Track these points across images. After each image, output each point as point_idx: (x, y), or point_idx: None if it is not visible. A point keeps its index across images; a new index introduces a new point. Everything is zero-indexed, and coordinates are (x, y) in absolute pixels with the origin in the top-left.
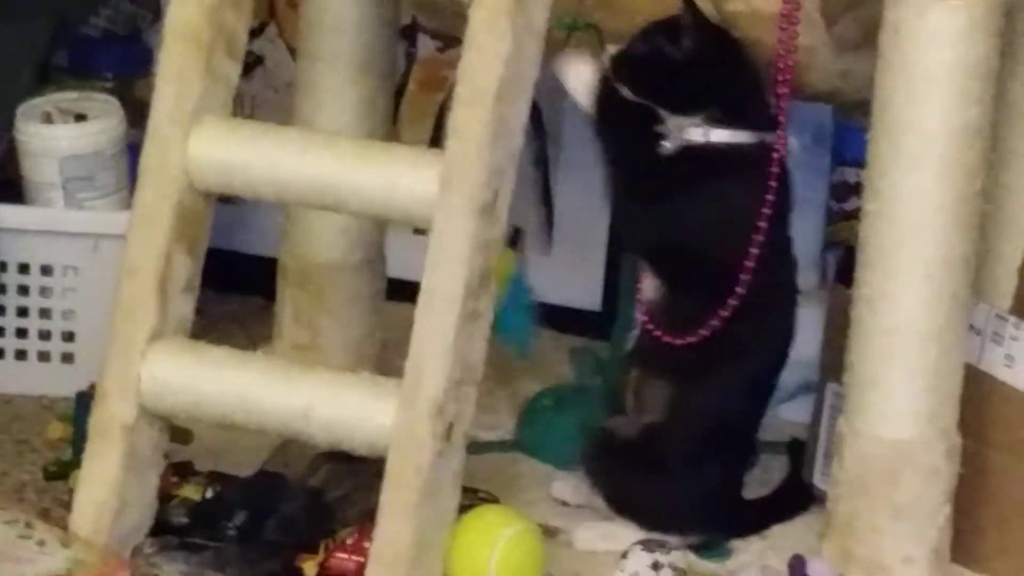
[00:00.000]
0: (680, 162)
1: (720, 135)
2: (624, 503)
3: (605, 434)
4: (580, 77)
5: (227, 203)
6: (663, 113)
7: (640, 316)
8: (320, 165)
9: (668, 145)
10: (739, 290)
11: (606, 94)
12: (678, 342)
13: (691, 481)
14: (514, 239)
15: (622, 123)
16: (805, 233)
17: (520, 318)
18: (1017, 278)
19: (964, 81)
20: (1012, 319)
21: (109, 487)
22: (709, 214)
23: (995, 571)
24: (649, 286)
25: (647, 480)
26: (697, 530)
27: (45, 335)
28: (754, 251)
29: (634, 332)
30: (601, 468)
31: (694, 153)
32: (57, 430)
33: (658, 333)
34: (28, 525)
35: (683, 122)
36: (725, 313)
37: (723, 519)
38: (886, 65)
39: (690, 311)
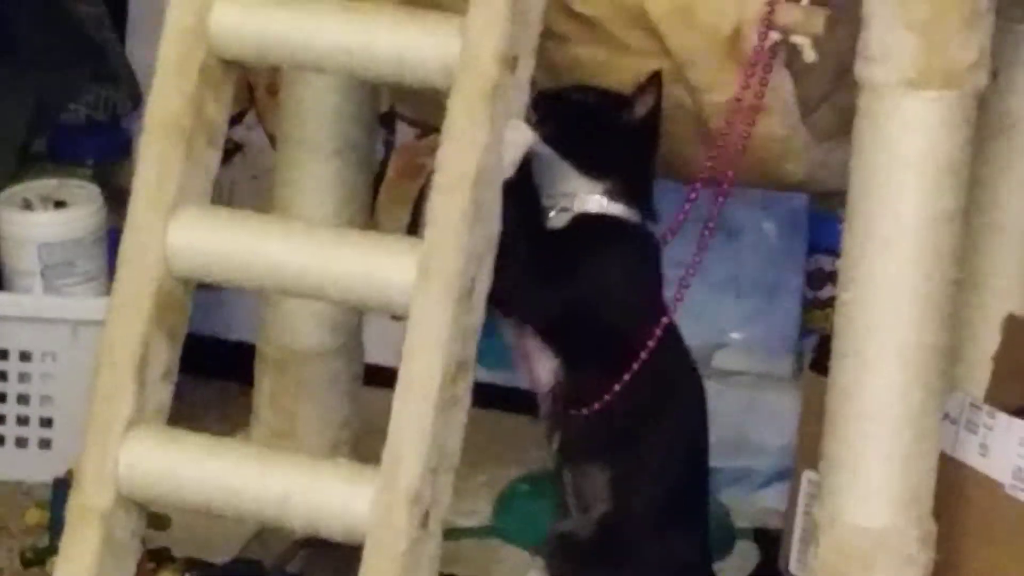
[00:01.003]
0: (576, 231)
1: (616, 208)
2: None
3: (565, 540)
4: (517, 141)
5: (206, 289)
6: (571, 172)
7: (544, 406)
8: (298, 253)
9: (562, 214)
10: (642, 355)
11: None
12: (586, 411)
13: (660, 559)
14: None
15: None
16: (780, 320)
17: None
18: (992, 366)
19: (938, 170)
20: (986, 408)
21: (86, 573)
22: (605, 284)
23: None
24: (545, 371)
25: (619, 571)
26: None
27: (23, 421)
28: (651, 321)
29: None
30: (572, 568)
31: (589, 223)
32: (35, 516)
33: (566, 408)
34: None
35: (588, 187)
36: (626, 378)
37: None
38: (861, 153)
39: (592, 385)
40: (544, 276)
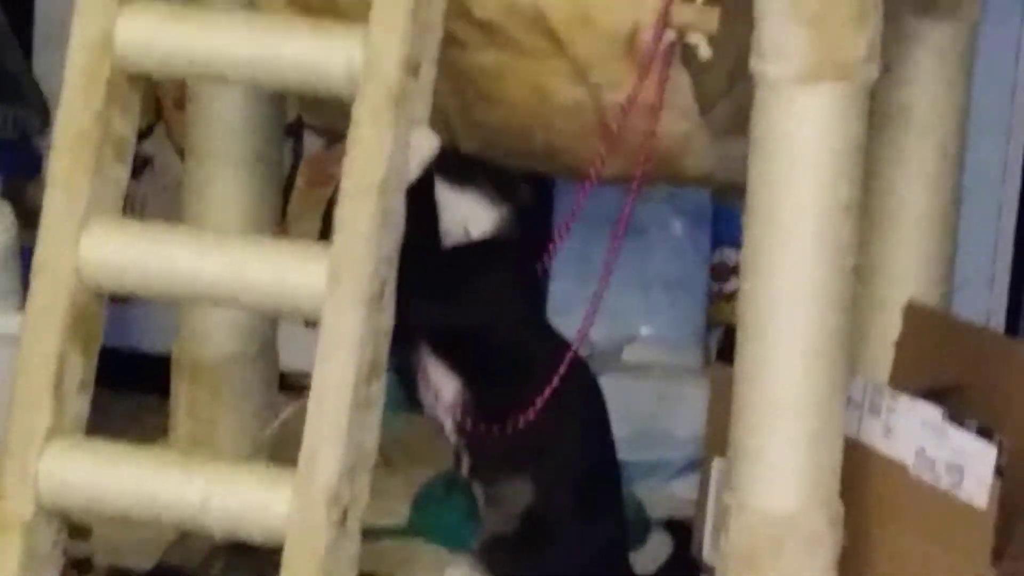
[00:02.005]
0: (470, 250)
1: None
2: None
3: (495, 542)
4: (422, 147)
5: (120, 302)
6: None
7: (448, 428)
8: (210, 262)
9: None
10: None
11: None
12: (497, 432)
13: (586, 549)
14: None
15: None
16: (687, 313)
17: None
18: (894, 351)
19: (833, 161)
20: (888, 391)
21: None
22: (496, 299)
23: None
24: (449, 392)
25: (545, 559)
26: None
27: None
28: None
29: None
30: (503, 564)
31: (483, 244)
32: None
33: (474, 428)
34: None
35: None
36: (538, 404)
37: None
38: (758, 147)
39: (496, 403)
40: (437, 288)
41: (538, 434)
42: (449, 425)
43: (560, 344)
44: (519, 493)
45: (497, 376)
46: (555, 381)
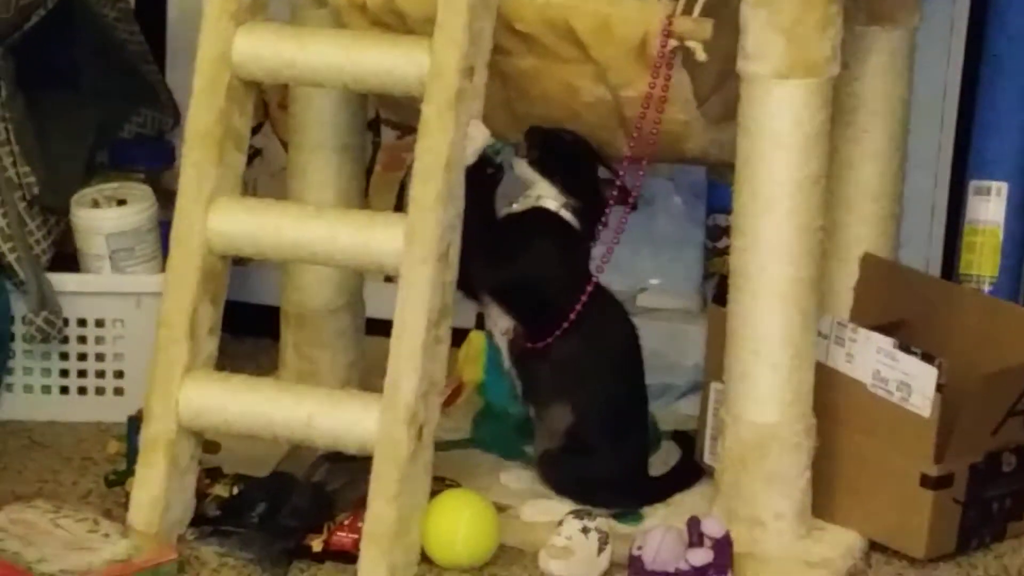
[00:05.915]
0: (529, 217)
1: (566, 214)
2: (568, 489)
3: (546, 456)
4: (476, 137)
5: (240, 263)
6: (542, 183)
7: (505, 352)
8: (311, 230)
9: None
10: (577, 308)
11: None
12: (543, 343)
13: (614, 459)
14: (480, 321)
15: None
16: (688, 267)
17: (501, 385)
18: (854, 294)
19: (804, 142)
20: (850, 325)
21: (157, 489)
22: (547, 261)
23: (845, 521)
24: (501, 323)
25: (583, 467)
26: (618, 503)
27: (100, 374)
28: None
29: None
30: (552, 471)
31: (541, 214)
32: (114, 447)
33: (527, 344)
34: (95, 522)
35: (551, 193)
36: (560, 330)
37: (636, 493)
38: (744, 132)
39: (539, 337)
40: (492, 253)
41: (575, 367)
42: (504, 349)
43: (595, 291)
44: (562, 416)
45: (542, 316)
46: (577, 308)
